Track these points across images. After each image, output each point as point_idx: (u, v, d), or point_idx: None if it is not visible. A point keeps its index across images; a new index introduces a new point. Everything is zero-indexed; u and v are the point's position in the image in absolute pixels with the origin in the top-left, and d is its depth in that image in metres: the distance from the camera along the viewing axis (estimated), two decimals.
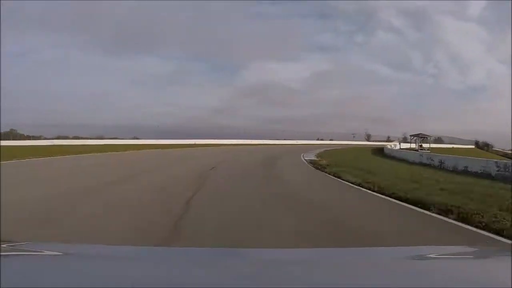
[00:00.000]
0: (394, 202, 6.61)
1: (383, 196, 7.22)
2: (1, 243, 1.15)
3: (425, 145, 42.36)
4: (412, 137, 45.48)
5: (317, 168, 14.19)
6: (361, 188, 8.48)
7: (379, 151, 30.57)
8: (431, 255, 1.17)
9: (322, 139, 77.43)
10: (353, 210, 6.21)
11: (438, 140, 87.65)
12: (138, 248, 1.89)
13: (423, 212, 5.60)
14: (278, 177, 11.31)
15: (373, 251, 1.41)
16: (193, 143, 46.59)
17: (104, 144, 39.17)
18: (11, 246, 1.20)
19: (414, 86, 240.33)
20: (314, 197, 7.50)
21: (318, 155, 22.01)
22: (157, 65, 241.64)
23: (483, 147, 72.24)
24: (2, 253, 1.03)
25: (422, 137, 44.37)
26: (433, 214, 5.40)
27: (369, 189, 8.09)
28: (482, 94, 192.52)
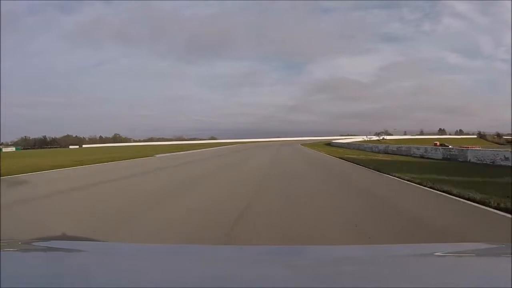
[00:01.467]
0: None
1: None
2: (1, 243, 1.19)
3: (387, 137, 70.83)
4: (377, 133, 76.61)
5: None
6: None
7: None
8: (432, 254, 1.17)
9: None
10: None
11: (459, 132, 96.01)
12: (141, 245, 1.92)
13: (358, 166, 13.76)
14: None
15: (375, 249, 1.42)
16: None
17: (204, 143, 51.15)
18: (11, 246, 1.23)
19: (486, 73, 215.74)
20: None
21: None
22: (230, 68, 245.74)
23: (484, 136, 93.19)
24: (2, 253, 1.03)
25: (381, 132, 76.78)
26: (359, 166, 13.62)
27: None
28: None
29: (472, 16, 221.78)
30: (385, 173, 10.71)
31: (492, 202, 5.41)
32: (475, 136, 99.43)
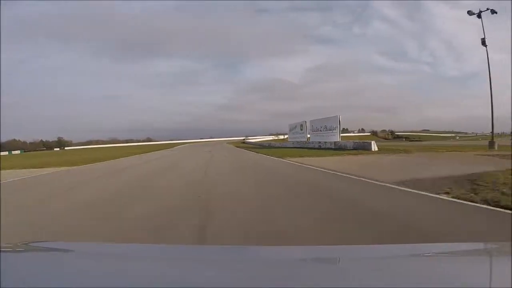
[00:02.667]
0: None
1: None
2: (1, 243, 1.13)
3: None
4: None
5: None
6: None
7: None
8: (431, 254, 1.18)
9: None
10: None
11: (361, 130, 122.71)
12: (141, 245, 1.90)
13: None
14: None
15: (373, 249, 1.42)
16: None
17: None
18: (11, 246, 1.22)
19: (411, 75, 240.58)
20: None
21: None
22: (166, 67, 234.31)
23: (376, 133, 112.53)
24: (2, 253, 1.03)
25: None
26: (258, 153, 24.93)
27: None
28: (476, 80, 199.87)
29: (400, 20, 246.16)
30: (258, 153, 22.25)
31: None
32: (369, 134, 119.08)
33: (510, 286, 0.72)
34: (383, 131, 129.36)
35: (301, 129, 35.36)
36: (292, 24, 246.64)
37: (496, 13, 19.56)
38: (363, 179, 7.96)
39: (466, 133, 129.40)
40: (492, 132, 20.72)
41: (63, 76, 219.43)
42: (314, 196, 6.17)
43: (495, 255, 1.17)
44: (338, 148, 24.36)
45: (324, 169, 10.80)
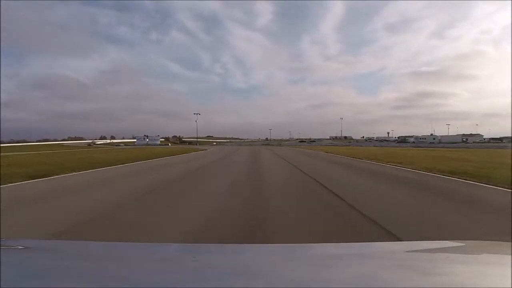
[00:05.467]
0: None
1: None
2: (1, 243, 1.17)
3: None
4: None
5: None
6: None
7: None
8: (431, 253, 1.17)
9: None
10: None
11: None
12: (141, 244, 1.86)
13: None
14: None
15: (372, 246, 1.42)
16: None
17: None
18: (11, 245, 1.21)
19: (203, 84, 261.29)
20: None
21: None
22: None
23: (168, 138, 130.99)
24: (2, 253, 1.02)
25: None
26: None
27: None
28: (260, 93, 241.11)
29: (198, 33, 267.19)
30: None
31: None
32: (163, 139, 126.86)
33: (510, 287, 0.72)
34: (174, 136, 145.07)
35: None
36: (86, 19, 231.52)
37: None
38: None
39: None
40: None
41: None
42: None
43: (495, 255, 1.17)
44: None
45: None
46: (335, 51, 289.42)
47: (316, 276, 0.83)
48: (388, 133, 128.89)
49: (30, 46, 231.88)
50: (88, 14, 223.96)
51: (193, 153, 31.58)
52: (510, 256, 1.10)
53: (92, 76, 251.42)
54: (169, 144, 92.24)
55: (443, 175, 9.83)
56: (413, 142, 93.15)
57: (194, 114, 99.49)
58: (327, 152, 30.86)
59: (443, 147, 53.47)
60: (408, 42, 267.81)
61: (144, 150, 41.80)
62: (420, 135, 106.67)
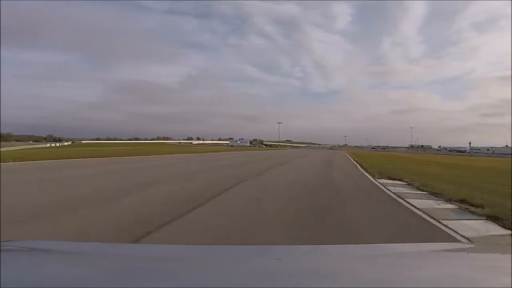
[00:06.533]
0: None
1: None
2: (1, 243, 1.16)
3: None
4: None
5: None
6: None
7: None
8: (430, 253, 1.18)
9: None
10: None
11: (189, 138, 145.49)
12: (141, 245, 1.81)
13: None
14: None
15: (370, 248, 1.42)
16: None
17: None
18: (11, 245, 1.21)
19: (283, 88, 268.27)
20: None
21: None
22: (32, 58, 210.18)
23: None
24: (2, 253, 1.02)
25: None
26: None
27: None
28: (339, 97, 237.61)
29: (276, 37, 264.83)
30: None
31: None
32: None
33: (510, 287, 0.73)
34: (255, 140, 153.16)
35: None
36: (170, 27, 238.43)
37: None
38: None
39: None
40: None
41: None
42: None
43: (495, 255, 1.21)
44: None
45: None
46: (418, 54, 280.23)
47: (315, 277, 0.84)
48: (469, 143, 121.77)
49: (123, 54, 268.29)
50: (171, 22, 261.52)
51: (284, 150, 56.24)
52: (510, 256, 1.14)
53: (177, 81, 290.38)
54: (256, 146, 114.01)
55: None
56: (468, 152, 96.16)
57: (277, 123, 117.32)
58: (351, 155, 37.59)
59: (471, 156, 64.88)
60: (495, 42, 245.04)
61: (253, 149, 67.13)
62: (478, 146, 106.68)
